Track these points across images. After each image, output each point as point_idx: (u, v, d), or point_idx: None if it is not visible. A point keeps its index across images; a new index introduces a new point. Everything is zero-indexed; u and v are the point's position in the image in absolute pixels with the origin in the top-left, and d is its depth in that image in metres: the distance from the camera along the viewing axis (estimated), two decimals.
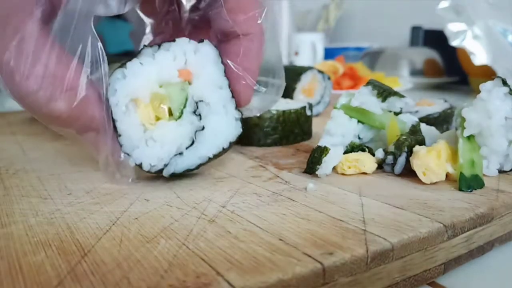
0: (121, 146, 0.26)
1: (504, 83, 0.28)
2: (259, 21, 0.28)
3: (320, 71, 0.55)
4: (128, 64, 0.26)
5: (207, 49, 0.27)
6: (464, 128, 0.28)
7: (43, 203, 0.25)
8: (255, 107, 0.31)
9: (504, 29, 0.77)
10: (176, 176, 0.28)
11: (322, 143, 0.29)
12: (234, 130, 0.28)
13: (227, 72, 0.28)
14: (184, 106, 0.27)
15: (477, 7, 0.78)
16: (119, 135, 0.26)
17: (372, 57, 1.16)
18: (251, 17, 0.28)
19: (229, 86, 0.28)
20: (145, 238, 0.20)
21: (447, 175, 0.27)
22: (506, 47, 0.75)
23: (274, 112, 0.38)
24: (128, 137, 0.26)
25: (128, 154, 0.26)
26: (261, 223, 0.21)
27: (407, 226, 0.20)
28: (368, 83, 0.32)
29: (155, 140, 0.26)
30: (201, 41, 0.27)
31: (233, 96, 0.28)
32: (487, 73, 0.46)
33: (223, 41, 0.29)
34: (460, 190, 0.26)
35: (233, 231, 0.20)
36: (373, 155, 0.30)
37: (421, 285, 0.21)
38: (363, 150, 0.31)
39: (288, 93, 0.52)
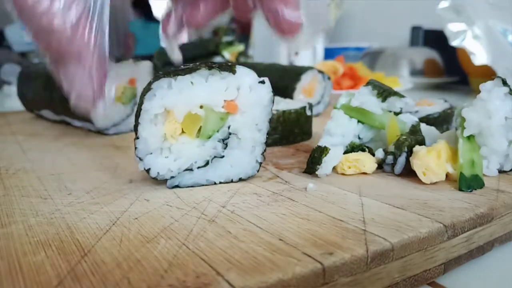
0: (135, 148, 0.26)
1: (504, 83, 0.28)
2: None
3: (320, 71, 0.55)
4: (179, 78, 0.26)
5: (263, 92, 0.27)
6: (464, 128, 0.28)
7: (43, 203, 0.25)
8: (302, 40, 0.32)
9: (504, 29, 0.77)
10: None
11: (322, 143, 0.29)
12: (250, 170, 0.28)
13: (274, 14, 0.28)
14: (215, 133, 0.27)
15: (477, 7, 0.78)
16: (137, 138, 0.26)
17: (372, 57, 1.16)
18: None
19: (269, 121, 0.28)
20: (145, 238, 0.20)
21: (447, 175, 0.27)
22: (506, 47, 0.75)
23: (274, 112, 0.38)
24: (145, 142, 0.26)
25: (140, 159, 0.26)
26: (261, 223, 0.21)
27: (407, 226, 0.20)
28: (368, 83, 0.32)
29: (172, 152, 0.26)
30: (261, 82, 0.27)
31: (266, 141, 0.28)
32: (487, 73, 0.46)
33: None
34: (460, 190, 0.26)
35: (233, 231, 0.20)
36: (373, 155, 0.30)
37: (421, 285, 0.21)
38: (363, 150, 0.31)
39: (288, 93, 0.52)
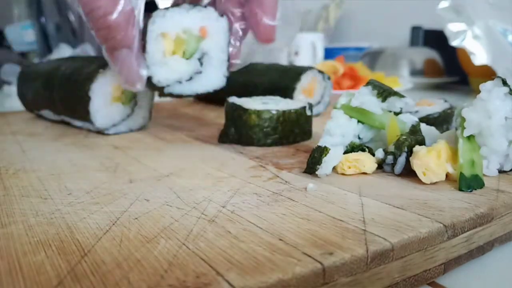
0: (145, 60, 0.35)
1: (504, 83, 0.28)
2: None
3: (320, 71, 0.55)
4: (170, 9, 0.36)
5: (224, 22, 0.39)
6: (464, 128, 0.28)
7: (43, 203, 0.25)
8: (279, 42, 0.40)
9: (504, 29, 0.77)
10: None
11: (322, 143, 0.29)
12: (220, 82, 0.40)
13: (254, 19, 0.38)
14: (194, 52, 0.38)
15: (477, 7, 0.78)
16: (146, 52, 0.35)
17: (372, 57, 1.16)
18: None
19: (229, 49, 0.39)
20: (145, 238, 0.20)
21: (447, 175, 0.27)
22: (506, 47, 0.75)
23: (274, 112, 0.38)
24: (151, 56, 0.36)
25: (147, 67, 0.35)
26: (261, 223, 0.21)
27: (407, 226, 0.20)
28: (368, 83, 0.32)
29: (168, 65, 0.36)
30: (222, 15, 0.38)
31: (228, 60, 0.40)
32: (487, 73, 0.46)
33: None
34: (460, 190, 0.26)
35: (233, 231, 0.20)
36: (373, 155, 0.30)
37: (421, 285, 0.21)
38: (363, 150, 0.31)
39: (288, 93, 0.52)
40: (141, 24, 0.35)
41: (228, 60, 0.40)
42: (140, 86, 0.36)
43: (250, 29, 0.39)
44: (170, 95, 0.38)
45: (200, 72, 0.38)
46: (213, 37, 0.38)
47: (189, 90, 0.38)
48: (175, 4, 0.40)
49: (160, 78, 0.36)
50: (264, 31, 0.38)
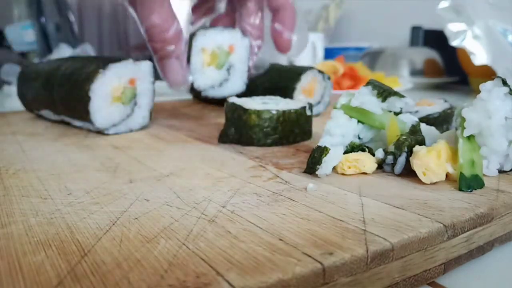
0: (189, 71, 0.45)
1: (504, 83, 0.28)
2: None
3: (320, 71, 0.55)
4: (209, 29, 0.48)
5: (246, 41, 0.50)
6: (464, 128, 0.28)
7: (43, 203, 0.25)
8: (294, 51, 0.50)
9: (504, 29, 0.77)
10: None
11: (322, 143, 0.29)
12: (241, 88, 0.51)
13: (276, 33, 0.48)
14: (224, 64, 0.49)
15: (477, 7, 0.78)
16: (191, 63, 0.46)
17: (372, 57, 1.16)
18: None
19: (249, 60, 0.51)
20: (145, 238, 0.20)
21: (447, 175, 0.27)
22: (506, 47, 0.75)
23: (274, 112, 0.38)
24: (194, 66, 0.47)
25: (190, 75, 0.45)
26: (261, 223, 0.21)
27: (407, 226, 0.20)
28: (368, 83, 0.32)
29: (205, 74, 0.48)
30: (245, 36, 0.50)
31: (248, 70, 0.51)
32: (487, 73, 0.46)
33: (273, 13, 0.48)
34: (460, 190, 0.26)
35: (233, 231, 0.20)
36: (373, 155, 0.30)
37: (421, 285, 0.21)
38: (363, 150, 0.31)
39: (288, 93, 0.52)
40: (185, 38, 0.44)
41: (248, 70, 0.52)
42: (184, 88, 0.45)
43: (273, 41, 0.49)
44: (205, 97, 0.50)
45: (227, 80, 0.50)
46: (238, 53, 0.49)
47: (219, 94, 0.50)
48: (211, 26, 0.52)
49: (199, 84, 0.47)
50: (284, 44, 0.48)
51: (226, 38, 0.48)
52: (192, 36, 0.46)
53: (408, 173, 0.28)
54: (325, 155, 0.29)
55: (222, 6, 0.53)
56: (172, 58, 0.43)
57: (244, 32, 0.50)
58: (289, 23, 0.47)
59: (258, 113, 0.38)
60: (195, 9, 0.53)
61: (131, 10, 0.42)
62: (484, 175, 0.27)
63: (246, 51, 0.50)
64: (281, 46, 0.48)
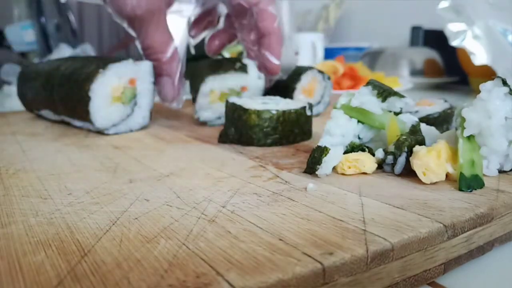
0: (196, 109, 0.48)
1: (504, 83, 0.28)
2: (275, 25, 0.48)
3: (320, 71, 0.55)
4: (218, 75, 0.48)
5: (261, 83, 0.51)
6: (464, 128, 0.28)
7: (43, 203, 0.25)
8: (281, 74, 0.52)
9: (504, 29, 0.77)
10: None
11: (322, 143, 0.29)
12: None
13: (263, 58, 0.49)
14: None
15: (477, 7, 0.78)
16: (197, 102, 0.48)
17: (372, 57, 1.16)
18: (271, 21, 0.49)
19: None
20: (145, 238, 0.20)
21: (447, 175, 0.27)
22: (506, 47, 0.75)
23: (274, 112, 0.38)
24: (200, 105, 0.48)
25: (197, 111, 0.48)
26: (261, 223, 0.21)
27: (407, 226, 0.20)
28: (368, 83, 0.32)
29: (212, 109, 0.49)
30: (259, 77, 0.51)
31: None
32: (487, 73, 0.46)
33: (258, 38, 0.49)
34: (460, 190, 0.26)
35: (233, 231, 0.20)
36: (373, 155, 0.30)
37: (421, 285, 0.21)
38: (363, 150, 0.31)
39: (288, 93, 0.52)
40: (183, 60, 0.47)
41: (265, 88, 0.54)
42: (175, 104, 0.48)
43: (259, 65, 0.50)
44: (213, 125, 0.51)
45: None
46: (251, 90, 0.50)
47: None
48: (210, 40, 0.55)
49: (205, 117, 0.49)
50: (271, 68, 0.50)
51: (239, 81, 0.49)
52: (201, 80, 0.47)
53: (408, 173, 0.28)
54: (325, 155, 0.29)
55: (221, 22, 0.55)
56: (165, 76, 0.46)
57: (247, 53, 0.53)
58: (276, 48, 0.49)
59: (258, 113, 0.38)
60: (196, 22, 0.55)
61: (130, 31, 0.45)
62: (484, 175, 0.27)
63: (260, 90, 0.51)
64: (269, 70, 0.50)
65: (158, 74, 0.46)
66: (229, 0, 0.50)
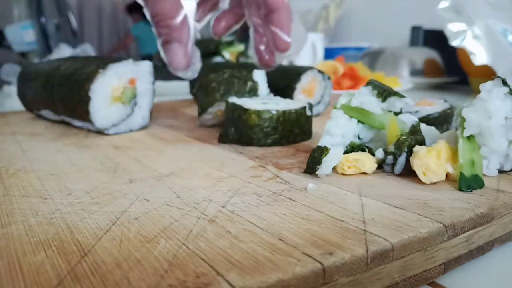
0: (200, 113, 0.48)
1: (504, 83, 0.28)
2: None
3: (320, 71, 0.55)
4: (229, 98, 0.43)
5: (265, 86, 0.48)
6: (464, 128, 0.28)
7: (43, 203, 0.25)
8: (292, 51, 0.48)
9: (504, 29, 0.77)
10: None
11: (322, 143, 0.29)
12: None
13: (273, 35, 0.46)
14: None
15: (477, 7, 0.78)
16: (201, 117, 0.47)
17: (372, 57, 1.16)
18: None
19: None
20: (145, 238, 0.20)
21: (447, 175, 0.27)
22: (506, 47, 0.75)
23: (274, 112, 0.38)
24: (204, 119, 0.47)
25: (199, 122, 0.48)
26: (261, 223, 0.21)
27: (407, 226, 0.20)
28: (368, 83, 0.32)
29: (215, 119, 0.47)
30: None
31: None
32: (487, 73, 0.46)
33: (266, 14, 0.46)
34: (460, 190, 0.26)
35: (233, 231, 0.20)
36: (373, 155, 0.30)
37: (421, 285, 0.21)
38: (363, 150, 0.31)
39: (288, 93, 0.52)
40: (192, 26, 0.44)
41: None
42: (190, 73, 0.44)
43: (269, 42, 0.48)
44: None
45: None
46: (260, 88, 0.47)
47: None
48: (216, 22, 0.52)
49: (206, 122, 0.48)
50: (281, 45, 0.47)
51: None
52: (210, 103, 0.46)
53: (408, 173, 0.28)
54: (325, 155, 0.29)
55: (226, 2, 0.52)
56: (175, 43, 0.43)
57: (255, 28, 0.49)
58: (285, 24, 0.47)
59: (258, 113, 0.38)
60: (200, 4, 0.52)
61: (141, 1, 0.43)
62: (484, 175, 0.27)
63: (266, 86, 0.49)
64: (279, 47, 0.48)
65: (167, 41, 0.43)
66: None
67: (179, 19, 0.42)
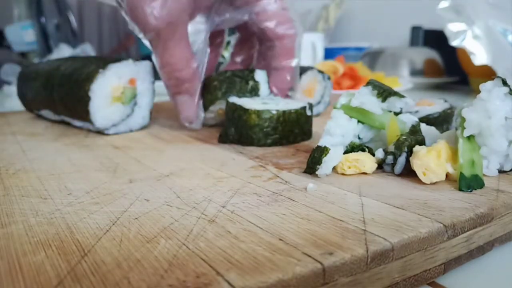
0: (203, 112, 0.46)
1: (504, 83, 0.28)
2: (291, 63, 0.47)
3: (320, 71, 0.55)
4: (231, 97, 0.43)
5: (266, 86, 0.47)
6: (464, 128, 0.28)
7: (43, 203, 0.25)
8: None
9: (504, 29, 0.77)
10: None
11: (322, 143, 0.29)
12: None
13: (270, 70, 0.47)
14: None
15: (477, 7, 0.78)
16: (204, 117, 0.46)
17: (372, 57, 1.16)
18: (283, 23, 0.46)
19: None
20: (145, 238, 0.20)
21: (447, 175, 0.27)
22: (506, 47, 0.75)
23: (274, 112, 0.38)
24: (205, 117, 0.46)
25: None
26: (261, 223, 0.21)
27: (407, 226, 0.20)
28: (368, 83, 0.32)
29: (215, 119, 0.47)
30: (268, 82, 0.47)
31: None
32: (487, 73, 0.46)
33: (266, 46, 0.47)
34: (460, 190, 0.26)
35: (233, 231, 0.20)
36: (373, 155, 0.30)
37: (421, 285, 0.21)
38: (363, 150, 0.31)
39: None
40: (203, 77, 0.43)
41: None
42: (195, 124, 0.45)
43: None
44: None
45: None
46: (262, 93, 0.47)
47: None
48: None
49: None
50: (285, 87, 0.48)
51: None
52: (210, 102, 0.45)
53: (408, 173, 0.28)
54: (325, 155, 0.29)
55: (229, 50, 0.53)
56: (185, 95, 0.42)
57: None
58: (284, 84, 0.47)
59: (258, 113, 0.38)
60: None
61: (149, 46, 0.42)
62: (484, 175, 0.27)
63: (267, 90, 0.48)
64: (282, 88, 0.48)
65: (176, 93, 0.43)
66: (255, 24, 0.46)
67: (188, 71, 0.41)
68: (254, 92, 0.45)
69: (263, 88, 0.46)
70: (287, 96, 0.48)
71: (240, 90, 0.45)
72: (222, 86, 0.45)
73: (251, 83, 0.45)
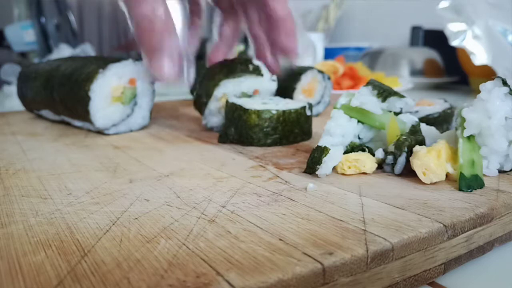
0: (205, 115, 0.46)
1: (504, 83, 0.28)
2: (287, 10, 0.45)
3: (320, 71, 0.55)
4: (234, 77, 0.45)
5: (272, 84, 0.48)
6: (464, 128, 0.28)
7: (43, 203, 0.25)
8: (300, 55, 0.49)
9: (504, 29, 0.77)
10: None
11: (322, 143, 0.29)
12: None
13: (278, 41, 0.46)
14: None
15: (477, 7, 0.78)
16: (207, 108, 0.46)
17: (372, 57, 1.16)
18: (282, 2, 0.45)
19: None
20: (145, 238, 0.20)
21: (447, 175, 0.27)
22: (506, 47, 0.75)
23: (274, 112, 0.38)
24: (211, 110, 0.45)
25: (205, 118, 0.46)
26: (261, 223, 0.21)
27: (407, 226, 0.20)
28: (368, 83, 0.32)
29: (221, 114, 0.45)
30: (273, 80, 0.48)
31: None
32: (487, 73, 0.46)
33: (270, 25, 0.46)
34: (460, 190, 0.26)
35: (233, 231, 0.20)
36: (373, 155, 0.30)
37: (421, 285, 0.21)
38: (363, 150, 0.31)
39: (288, 93, 0.52)
40: (179, 35, 0.41)
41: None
42: (185, 82, 0.42)
43: (274, 49, 0.47)
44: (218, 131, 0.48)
45: None
46: (263, 94, 0.47)
47: None
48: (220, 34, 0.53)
49: (213, 123, 0.46)
50: (289, 50, 0.47)
51: (251, 83, 0.46)
52: (214, 84, 0.45)
53: (408, 173, 0.28)
54: (325, 155, 0.29)
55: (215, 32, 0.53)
56: (161, 52, 0.39)
57: (255, 38, 0.49)
58: (291, 31, 0.46)
59: (258, 113, 0.38)
60: (191, 12, 0.50)
61: (121, 4, 0.40)
62: (484, 175, 0.27)
63: (271, 91, 0.48)
64: (287, 53, 0.47)
65: (151, 50, 0.39)
66: None
67: (162, 21, 0.38)
68: (257, 71, 0.46)
69: (264, 71, 0.47)
70: (294, 59, 0.47)
71: (242, 71, 0.45)
72: (223, 70, 0.45)
73: (251, 66, 0.46)
